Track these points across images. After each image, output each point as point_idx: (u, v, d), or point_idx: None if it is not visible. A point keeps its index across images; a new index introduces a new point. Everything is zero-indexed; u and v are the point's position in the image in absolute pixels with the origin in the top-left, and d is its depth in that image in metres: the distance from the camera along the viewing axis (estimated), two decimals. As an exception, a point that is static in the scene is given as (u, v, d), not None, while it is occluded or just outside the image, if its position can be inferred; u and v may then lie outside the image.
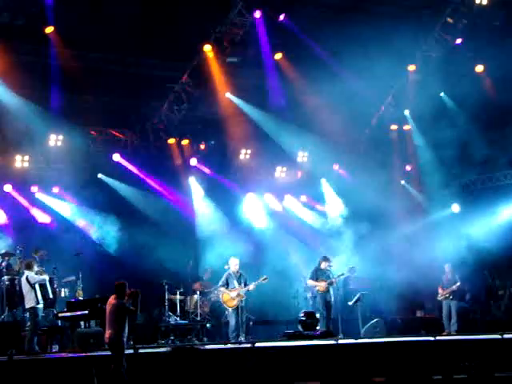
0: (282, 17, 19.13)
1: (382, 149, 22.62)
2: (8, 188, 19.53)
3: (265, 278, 17.78)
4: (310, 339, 16.58)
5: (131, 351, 14.06)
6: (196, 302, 19.24)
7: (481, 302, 20.74)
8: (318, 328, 17.71)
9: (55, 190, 20.21)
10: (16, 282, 16.91)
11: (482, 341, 15.67)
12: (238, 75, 20.41)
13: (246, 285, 17.59)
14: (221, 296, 17.82)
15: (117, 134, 20.93)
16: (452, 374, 13.03)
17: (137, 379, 13.29)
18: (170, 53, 18.99)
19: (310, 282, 18.59)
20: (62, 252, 18.66)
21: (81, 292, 17.91)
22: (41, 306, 15.71)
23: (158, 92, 20.15)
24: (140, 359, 13.98)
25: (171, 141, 21.36)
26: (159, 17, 18.19)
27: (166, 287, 19.02)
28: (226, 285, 17.67)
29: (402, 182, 23.45)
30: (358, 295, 18.64)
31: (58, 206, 20.27)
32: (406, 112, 22.44)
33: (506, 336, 15.66)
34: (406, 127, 22.72)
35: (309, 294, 19.57)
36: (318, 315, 18.09)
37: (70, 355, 14.51)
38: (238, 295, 17.46)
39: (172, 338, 18.21)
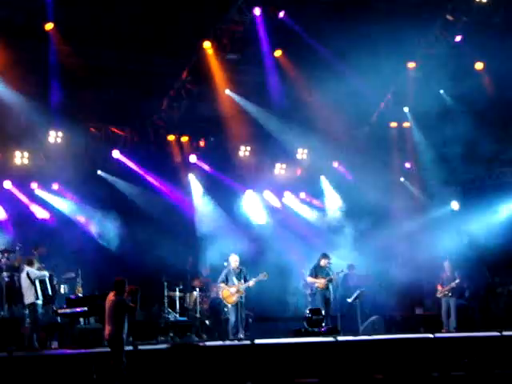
0: (281, 14, 19.11)
1: (381, 146, 22.62)
2: (7, 184, 19.54)
3: (264, 275, 17.78)
4: (315, 336, 16.57)
5: (131, 348, 14.08)
6: (195, 299, 19.24)
7: (480, 299, 20.74)
8: (323, 325, 17.70)
9: (55, 186, 20.22)
10: (16, 278, 16.91)
11: (481, 338, 15.69)
12: (238, 72, 20.41)
13: (245, 281, 17.60)
14: (220, 292, 17.83)
15: (116, 130, 20.92)
16: (451, 371, 13.07)
17: (136, 376, 13.31)
18: (169, 50, 18.97)
19: (310, 279, 18.61)
20: (62, 249, 18.67)
21: (80, 289, 17.92)
22: (40, 302, 15.73)
23: (158, 89, 20.13)
24: (140, 356, 13.99)
25: (171, 138, 21.38)
26: (159, 14, 18.17)
27: (166, 284, 19.04)
28: (226, 281, 17.69)
29: (402, 179, 23.46)
30: (357, 292, 18.63)
31: (58, 202, 20.27)
32: (406, 109, 22.44)
33: (504, 333, 15.68)
34: (406, 125, 22.72)
35: (308, 291, 19.58)
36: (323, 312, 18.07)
37: (69, 352, 14.52)
38: (238, 291, 17.46)
39: (171, 334, 18.23)
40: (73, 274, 18.11)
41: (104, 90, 19.40)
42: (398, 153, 23.06)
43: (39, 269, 16.03)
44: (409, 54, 20.91)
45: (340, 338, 15.97)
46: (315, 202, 23.27)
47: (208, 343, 15.64)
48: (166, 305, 19.05)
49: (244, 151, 21.98)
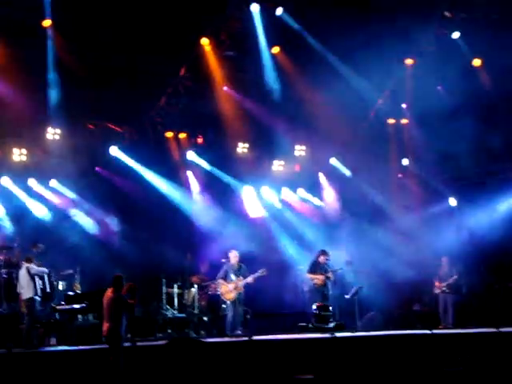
0: (279, 10, 19.10)
1: (379, 143, 22.61)
2: (5, 181, 19.55)
3: (263, 271, 17.82)
4: (323, 332, 16.60)
5: (129, 344, 14.12)
6: (194, 296, 19.28)
7: (477, 295, 20.78)
8: (331, 320, 17.72)
9: (53, 183, 20.24)
10: (14, 275, 16.95)
11: (478, 334, 15.73)
12: (236, 69, 20.41)
13: (244, 277, 17.64)
14: (219, 288, 17.88)
15: (114, 127, 20.93)
16: (448, 367, 13.12)
17: (135, 372, 13.35)
18: (167, 46, 18.95)
19: (308, 276, 18.66)
20: (60, 245, 18.71)
21: (78, 285, 17.96)
22: (38, 298, 15.77)
23: (156, 86, 20.12)
24: (138, 352, 14.03)
25: (169, 134, 21.40)
26: (157, 10, 18.16)
27: (164, 280, 19.07)
28: (225, 277, 17.73)
29: (400, 175, 23.48)
30: (355, 288, 18.68)
31: (56, 199, 20.29)
32: (404, 106, 22.45)
33: (501, 329, 15.73)
34: (404, 121, 22.74)
35: (305, 287, 19.61)
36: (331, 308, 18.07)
37: (67, 348, 14.56)
38: (236, 288, 17.51)
39: (170, 331, 18.27)
40: (71, 271, 18.14)
41: (102, 87, 19.38)
42: (395, 149, 23.06)
43: (38, 266, 16.08)
44: (407, 51, 20.90)
45: (338, 334, 16.02)
46: (313, 198, 23.29)
47: (206, 339, 15.67)
48: (165, 301, 19.09)
49: (242, 148, 22.01)
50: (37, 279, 15.80)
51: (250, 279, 17.64)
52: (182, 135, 21.63)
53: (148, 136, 21.08)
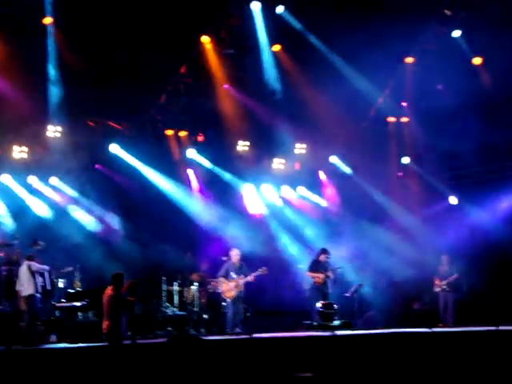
0: (280, 8, 19.09)
1: (379, 141, 22.62)
2: (6, 178, 19.56)
3: (264, 270, 17.84)
4: (328, 330, 16.62)
5: (129, 342, 14.12)
6: (194, 293, 19.30)
7: (477, 293, 20.79)
8: (335, 318, 17.74)
9: (53, 180, 20.25)
10: (14, 272, 16.96)
11: (478, 332, 15.73)
12: (237, 67, 20.40)
13: (245, 276, 17.65)
14: (220, 286, 17.90)
15: (115, 125, 20.94)
16: (447, 365, 13.11)
17: (135, 370, 13.35)
18: (168, 44, 18.95)
19: (308, 274, 18.68)
20: (60, 243, 18.72)
21: (78, 283, 17.98)
22: (39, 295, 15.78)
23: (157, 83, 20.12)
24: (138, 350, 14.03)
25: (169, 132, 21.41)
26: (157, 8, 18.15)
27: (164, 278, 19.08)
28: (226, 275, 17.74)
29: (400, 173, 23.49)
30: (354, 286, 18.70)
31: (56, 196, 20.30)
32: (404, 104, 22.45)
33: (501, 328, 15.73)
34: (404, 119, 22.74)
35: (305, 286, 19.63)
36: (335, 306, 18.08)
37: (67, 346, 14.56)
38: (237, 286, 17.53)
39: (169, 328, 18.28)
40: (71, 268, 18.16)
41: (102, 85, 19.38)
42: (396, 147, 23.07)
43: (39, 263, 16.09)
44: (407, 49, 20.90)
45: (338, 333, 16.02)
46: (313, 196, 23.30)
47: (206, 337, 15.68)
48: (165, 299, 19.10)
49: (242, 146, 22.02)
50: (37, 276, 15.81)
51: (250, 278, 17.65)
52: (183, 133, 21.64)
53: (148, 134, 21.09)
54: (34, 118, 18.85)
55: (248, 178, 22.16)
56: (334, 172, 23.19)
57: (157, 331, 17.98)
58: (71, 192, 20.37)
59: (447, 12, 20.23)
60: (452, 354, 13.76)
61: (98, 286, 16.39)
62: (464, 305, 19.97)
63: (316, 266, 18.50)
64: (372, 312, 19.08)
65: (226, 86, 20.61)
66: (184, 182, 21.75)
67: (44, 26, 17.87)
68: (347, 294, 18.67)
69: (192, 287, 19.38)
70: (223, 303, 18.22)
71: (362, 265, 20.89)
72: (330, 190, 23.17)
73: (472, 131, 20.33)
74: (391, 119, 22.74)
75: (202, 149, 21.79)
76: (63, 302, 16.72)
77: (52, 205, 20.18)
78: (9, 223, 19.36)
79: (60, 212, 20.20)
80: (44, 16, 17.71)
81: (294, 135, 21.87)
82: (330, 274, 18.28)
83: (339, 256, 19.84)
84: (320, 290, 18.27)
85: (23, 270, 15.79)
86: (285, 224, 22.41)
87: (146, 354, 13.89)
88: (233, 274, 17.69)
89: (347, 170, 23.09)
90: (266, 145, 22.01)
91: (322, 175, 23.24)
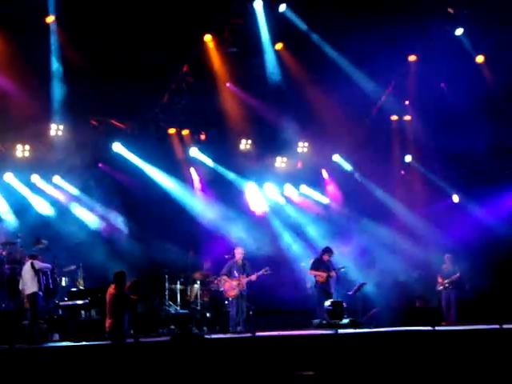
0: (282, 7, 19.08)
1: (382, 139, 22.62)
2: (9, 177, 19.58)
3: (266, 270, 17.84)
4: (337, 328, 16.62)
5: (132, 340, 14.13)
6: (197, 292, 19.30)
7: (480, 292, 20.77)
8: (345, 317, 17.72)
9: (56, 179, 20.26)
10: (17, 270, 16.97)
11: (481, 331, 15.72)
12: (239, 65, 20.39)
13: (248, 275, 17.65)
14: (222, 284, 17.90)
15: (117, 123, 20.94)
16: (450, 363, 13.10)
17: (137, 368, 13.36)
18: (171, 43, 18.95)
19: (311, 272, 18.69)
20: (63, 241, 18.73)
21: (81, 281, 17.99)
22: (41, 293, 15.80)
23: (159, 82, 20.13)
24: (141, 348, 14.04)
25: (172, 131, 21.40)
26: (160, 7, 18.15)
27: (167, 276, 19.09)
28: (229, 274, 17.74)
29: (402, 172, 23.47)
30: (357, 285, 18.69)
31: (59, 195, 20.32)
32: (407, 102, 22.43)
33: (504, 326, 15.71)
34: (407, 118, 22.72)
35: (308, 284, 19.64)
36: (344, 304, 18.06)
37: (70, 344, 14.57)
38: (239, 284, 17.52)
39: (172, 327, 18.29)
40: (74, 267, 18.18)
41: (105, 83, 19.38)
42: (398, 146, 23.07)
43: (42, 262, 16.12)
44: (410, 47, 20.87)
45: (341, 331, 16.02)
46: (316, 195, 23.30)
47: (208, 336, 15.68)
48: (167, 297, 19.11)
49: (245, 144, 22.01)
50: (40, 275, 15.82)
51: (253, 277, 17.65)
52: (185, 132, 21.63)
53: (151, 132, 21.09)
54: (37, 117, 18.84)
55: (251, 177, 22.16)
56: (336, 170, 23.17)
57: (160, 329, 17.99)
58: (74, 190, 20.37)
59: (450, 10, 20.20)
60: (455, 352, 13.75)
61: (101, 285, 16.41)
62: (467, 303, 19.95)
63: (319, 264, 18.50)
64: (375, 310, 19.06)
65: (228, 84, 20.59)
66: (187, 180, 21.75)
67: (46, 25, 17.87)
68: (350, 293, 18.67)
69: (195, 286, 19.39)
70: (226, 302, 18.22)
71: (365, 263, 20.88)
72: (333, 189, 23.16)
73: (475, 129, 20.31)
74: (394, 117, 22.71)
75: (204, 147, 21.78)
76: (66, 301, 16.73)
77: (55, 203, 20.18)
78: (12, 222, 19.37)
79: (63, 210, 20.21)
80: (46, 15, 17.70)
81: (296, 133, 21.86)
82: (332, 273, 18.27)
83: (342, 254, 19.83)
84: (322, 289, 18.28)
85: (26, 269, 15.80)
86: (287, 222, 22.40)
87: (148, 352, 13.91)
88: (235, 273, 17.69)
89: (350, 168, 23.07)
90: (269, 143, 22.01)
91: (324, 174, 23.23)
